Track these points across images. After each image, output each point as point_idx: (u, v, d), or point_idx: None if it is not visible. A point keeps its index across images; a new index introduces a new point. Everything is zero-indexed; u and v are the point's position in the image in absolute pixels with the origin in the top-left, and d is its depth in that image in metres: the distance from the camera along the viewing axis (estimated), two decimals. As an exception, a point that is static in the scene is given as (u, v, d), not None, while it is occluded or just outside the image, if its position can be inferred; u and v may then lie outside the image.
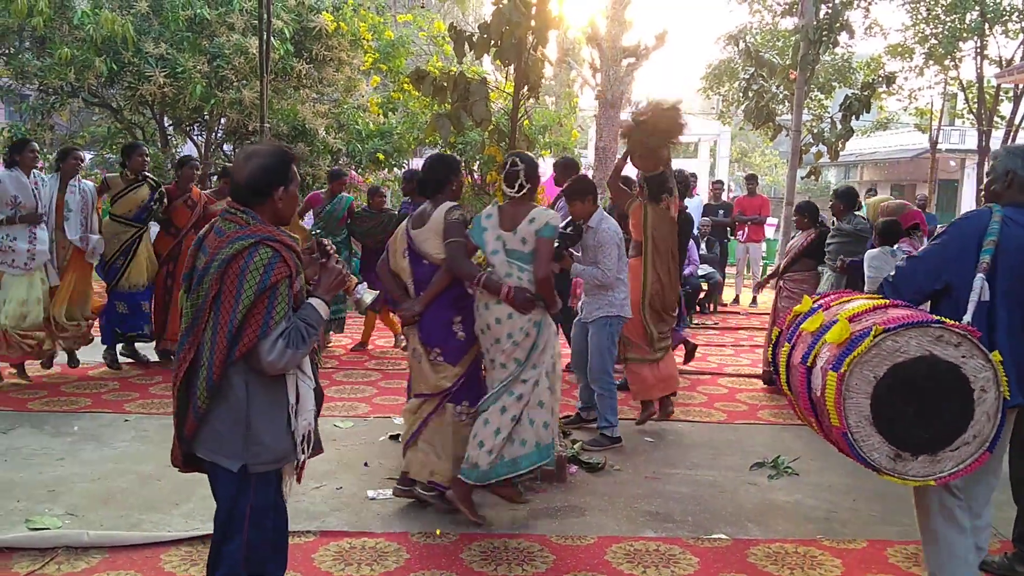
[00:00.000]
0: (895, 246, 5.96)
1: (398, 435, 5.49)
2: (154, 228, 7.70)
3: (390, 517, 4.31)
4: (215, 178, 11.71)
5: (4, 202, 6.38)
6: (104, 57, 10.35)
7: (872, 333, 2.72)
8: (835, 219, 7.17)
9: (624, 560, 3.90)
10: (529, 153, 4.75)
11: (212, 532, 2.78)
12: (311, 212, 9.02)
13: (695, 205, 11.86)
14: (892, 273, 3.27)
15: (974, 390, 2.77)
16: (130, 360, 7.51)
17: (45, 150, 10.91)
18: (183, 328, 2.67)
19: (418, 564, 3.80)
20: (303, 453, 2.74)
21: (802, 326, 3.13)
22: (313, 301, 2.72)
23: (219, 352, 2.54)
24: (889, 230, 6.03)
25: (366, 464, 5.07)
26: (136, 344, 7.54)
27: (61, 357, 7.15)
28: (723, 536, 4.21)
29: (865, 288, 6.04)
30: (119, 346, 7.46)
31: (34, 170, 6.61)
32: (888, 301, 3.00)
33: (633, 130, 5.78)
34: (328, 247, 2.87)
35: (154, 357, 7.60)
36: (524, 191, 4.34)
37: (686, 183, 7.60)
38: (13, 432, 5.52)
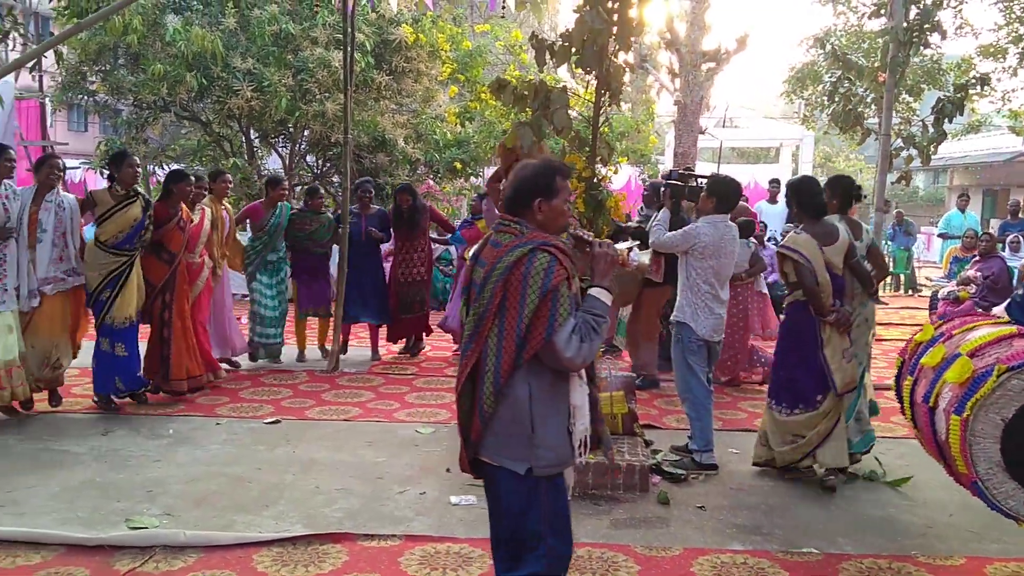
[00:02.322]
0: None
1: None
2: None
3: (473, 523, 4.32)
4: (297, 189, 12.02)
5: None
6: (194, 72, 10.74)
7: (995, 372, 2.53)
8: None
9: (711, 573, 3.83)
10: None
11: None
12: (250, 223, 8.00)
13: (778, 211, 11.63)
14: (1020, 291, 3.05)
15: None
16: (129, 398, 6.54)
17: (140, 163, 11.35)
18: (465, 336, 2.76)
19: (502, 571, 3.80)
20: (580, 456, 2.79)
21: (923, 360, 2.94)
22: (593, 291, 2.74)
23: (507, 356, 2.62)
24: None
25: (448, 470, 5.09)
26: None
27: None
28: (813, 550, 4.10)
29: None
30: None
31: (6, 181, 5.75)
32: (1015, 330, 2.78)
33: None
34: (584, 236, 2.88)
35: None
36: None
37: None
38: (112, 435, 5.75)
